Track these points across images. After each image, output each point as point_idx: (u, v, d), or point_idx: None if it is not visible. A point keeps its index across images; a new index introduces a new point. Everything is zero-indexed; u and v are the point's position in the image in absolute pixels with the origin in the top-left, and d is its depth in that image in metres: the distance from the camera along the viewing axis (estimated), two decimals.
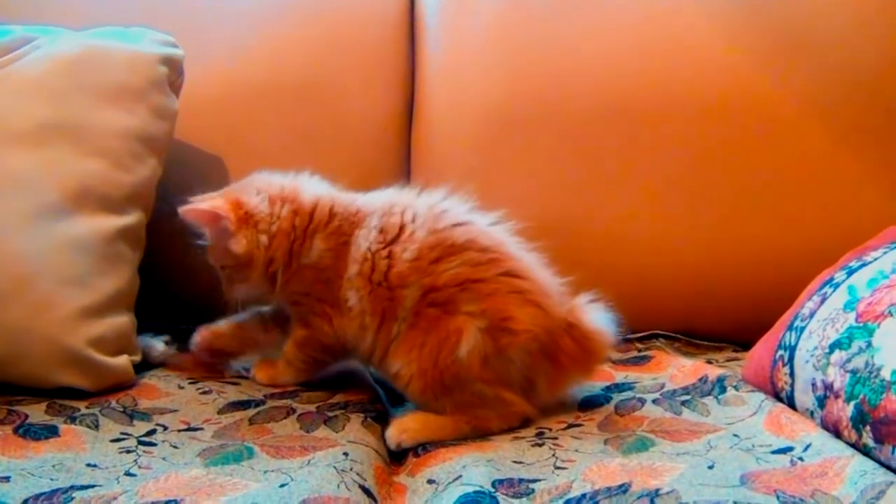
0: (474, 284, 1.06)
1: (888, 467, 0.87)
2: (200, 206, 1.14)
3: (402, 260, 1.08)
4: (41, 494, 0.85)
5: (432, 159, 1.53)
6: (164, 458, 0.95)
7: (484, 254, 1.08)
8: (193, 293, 1.45)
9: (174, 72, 1.35)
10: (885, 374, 0.91)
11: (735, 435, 1.00)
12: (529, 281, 1.08)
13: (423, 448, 1.02)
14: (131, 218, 1.25)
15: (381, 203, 1.15)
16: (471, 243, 1.08)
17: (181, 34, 1.40)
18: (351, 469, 0.90)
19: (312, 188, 1.20)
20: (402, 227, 1.10)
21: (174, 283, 1.43)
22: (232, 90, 1.51)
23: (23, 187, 1.17)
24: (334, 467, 0.90)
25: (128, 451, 0.97)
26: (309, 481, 0.87)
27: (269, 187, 1.18)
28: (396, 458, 1.04)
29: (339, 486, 0.86)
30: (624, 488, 0.87)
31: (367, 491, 0.88)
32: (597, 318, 1.11)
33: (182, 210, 1.13)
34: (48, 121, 1.21)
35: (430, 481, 0.92)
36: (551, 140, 1.47)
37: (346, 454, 0.94)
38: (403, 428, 1.05)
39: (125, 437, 1.01)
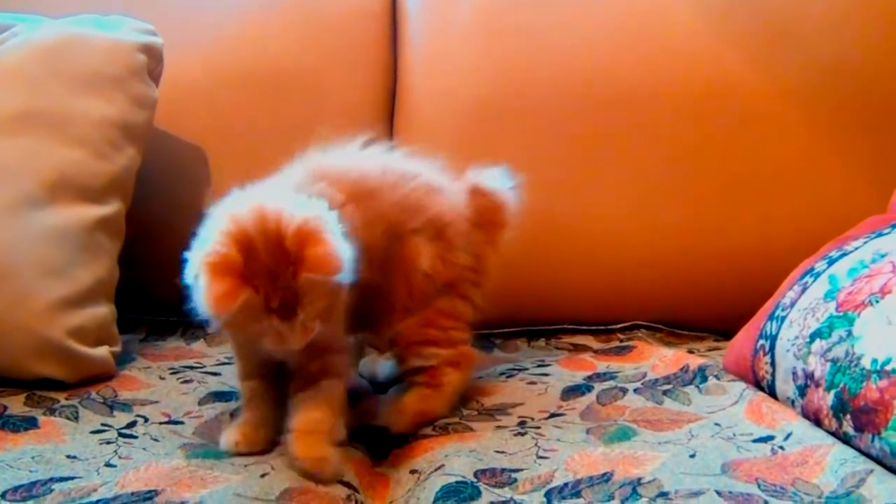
0: (402, 203, 1.07)
1: (868, 455, 0.88)
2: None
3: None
4: (20, 486, 0.84)
5: (415, 150, 1.52)
6: (144, 449, 0.94)
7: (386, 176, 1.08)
8: (170, 285, 1.45)
9: (153, 60, 1.34)
10: (865, 363, 0.92)
11: (716, 424, 1.00)
12: (426, 178, 1.11)
13: (404, 440, 1.02)
14: (110, 208, 1.24)
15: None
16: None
17: (161, 22, 1.39)
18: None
19: None
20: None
21: (152, 274, 1.42)
22: (212, 79, 1.50)
23: (1, 177, 1.15)
24: None
25: (108, 443, 0.96)
26: (289, 473, 0.87)
27: None
28: (377, 453, 1.03)
29: (316, 484, 0.87)
30: (606, 477, 0.87)
31: (346, 484, 0.88)
32: (490, 176, 1.16)
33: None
34: (26, 109, 1.20)
35: (412, 471, 0.92)
36: (534, 130, 1.47)
37: None
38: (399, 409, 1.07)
39: (105, 428, 1.00)
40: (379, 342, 1.18)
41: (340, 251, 0.87)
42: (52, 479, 0.86)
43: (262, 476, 0.86)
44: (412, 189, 1.08)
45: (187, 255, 0.91)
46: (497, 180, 1.16)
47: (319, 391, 0.94)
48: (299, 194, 0.95)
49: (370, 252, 0.96)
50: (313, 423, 0.92)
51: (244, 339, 0.97)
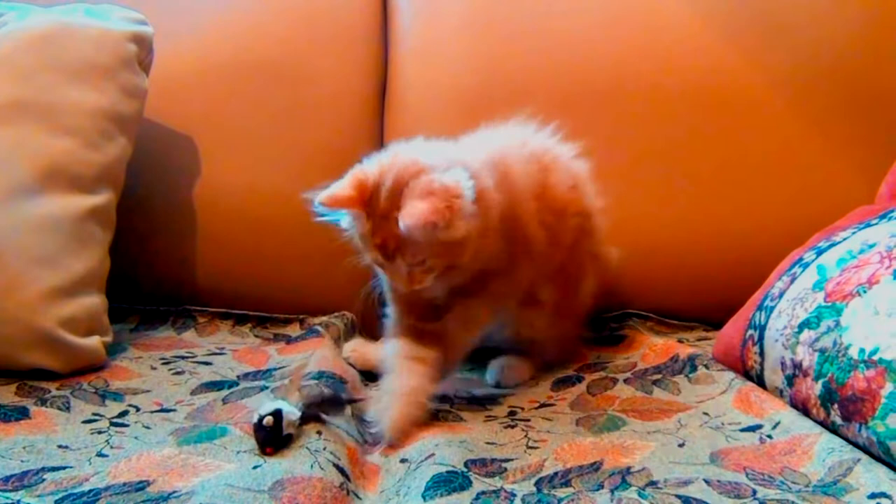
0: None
1: (855, 444, 0.88)
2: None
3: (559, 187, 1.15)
4: (12, 476, 0.84)
5: (406, 138, 1.52)
6: (136, 437, 0.95)
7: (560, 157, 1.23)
8: (161, 274, 1.45)
9: (144, 50, 1.33)
10: (853, 352, 0.92)
11: (705, 413, 1.01)
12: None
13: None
14: (102, 197, 1.24)
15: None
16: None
17: (151, 11, 1.38)
18: (325, 448, 0.90)
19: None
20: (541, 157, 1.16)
21: (143, 263, 1.42)
22: (203, 69, 1.49)
23: None
24: (307, 447, 0.90)
25: (99, 432, 0.96)
26: (282, 462, 0.87)
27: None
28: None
29: (312, 466, 0.86)
30: (595, 466, 0.88)
31: (341, 470, 0.88)
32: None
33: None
34: (16, 99, 1.20)
35: (402, 460, 0.93)
36: (525, 120, 1.47)
37: (319, 433, 0.94)
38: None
39: (97, 418, 1.01)
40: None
41: (442, 214, 0.94)
42: (43, 469, 0.86)
43: (255, 468, 0.86)
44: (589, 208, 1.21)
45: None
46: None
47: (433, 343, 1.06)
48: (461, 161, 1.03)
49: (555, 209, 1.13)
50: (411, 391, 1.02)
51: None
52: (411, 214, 0.94)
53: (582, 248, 1.21)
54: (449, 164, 1.00)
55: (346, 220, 1.03)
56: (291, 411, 0.93)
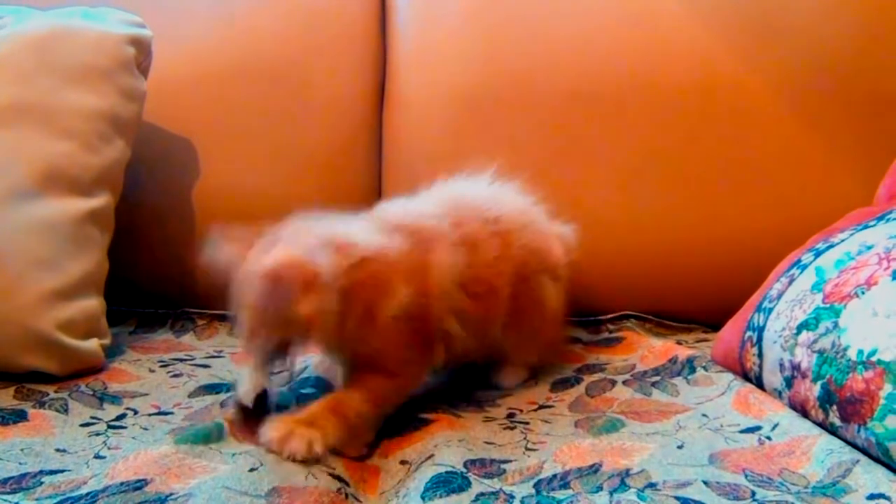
0: (530, 244, 1.15)
1: (854, 446, 0.88)
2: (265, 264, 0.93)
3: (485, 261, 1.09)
4: (9, 479, 0.84)
5: (404, 141, 1.52)
6: (133, 438, 0.95)
7: (520, 217, 1.16)
8: (159, 277, 1.45)
9: (142, 52, 1.33)
10: (852, 354, 0.92)
11: (704, 415, 1.01)
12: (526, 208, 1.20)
13: (396, 432, 1.02)
14: (100, 200, 1.24)
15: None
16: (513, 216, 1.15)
17: (150, 14, 1.39)
18: (317, 461, 0.90)
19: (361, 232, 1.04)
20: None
21: (141, 266, 1.42)
22: (201, 71, 1.49)
23: None
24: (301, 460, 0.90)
25: (97, 434, 0.96)
26: (277, 470, 0.87)
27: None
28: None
29: (306, 476, 0.86)
30: (595, 468, 0.88)
31: (337, 477, 0.88)
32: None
33: (254, 270, 0.93)
34: (14, 101, 1.20)
35: (402, 462, 0.92)
36: (524, 122, 1.47)
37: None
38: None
39: (95, 421, 1.00)
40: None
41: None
42: (41, 472, 0.86)
43: (251, 470, 0.85)
44: (537, 231, 1.16)
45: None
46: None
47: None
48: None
49: (485, 288, 1.07)
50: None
51: None
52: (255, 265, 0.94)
53: (530, 282, 1.15)
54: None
55: None
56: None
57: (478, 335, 1.08)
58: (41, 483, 0.84)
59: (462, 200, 1.12)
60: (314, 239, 0.96)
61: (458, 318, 1.05)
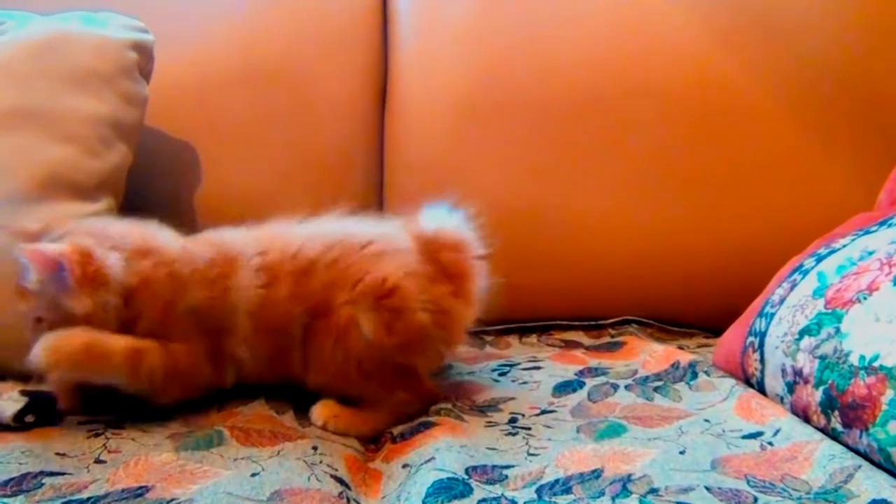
0: (337, 279, 1.05)
1: (856, 451, 0.88)
2: (47, 250, 0.98)
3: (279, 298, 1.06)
4: (10, 480, 0.84)
5: (405, 145, 1.52)
6: (133, 440, 0.94)
7: (328, 252, 1.07)
8: None
9: (144, 57, 1.33)
10: (853, 359, 0.92)
11: (706, 420, 1.00)
12: (369, 240, 1.08)
13: (400, 436, 1.02)
14: (102, 205, 1.24)
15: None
16: (318, 252, 1.07)
17: (152, 19, 1.38)
18: (321, 462, 0.90)
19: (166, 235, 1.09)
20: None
21: None
22: (203, 76, 1.50)
23: None
24: (304, 461, 0.90)
25: (97, 435, 0.96)
26: (279, 473, 0.87)
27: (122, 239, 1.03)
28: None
29: (308, 478, 0.86)
30: (596, 474, 0.88)
31: (339, 480, 0.88)
32: (438, 219, 1.11)
33: (26, 250, 0.98)
34: (16, 106, 1.20)
35: (404, 465, 0.92)
36: (524, 127, 1.47)
37: (315, 448, 0.94)
38: (334, 412, 1.05)
39: (94, 421, 1.00)
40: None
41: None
42: (42, 473, 0.86)
43: (253, 475, 0.86)
44: (349, 263, 1.05)
45: None
46: (448, 221, 1.12)
47: None
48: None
49: (277, 324, 1.05)
50: None
51: None
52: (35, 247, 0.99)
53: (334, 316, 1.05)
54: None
55: None
56: None
57: (271, 366, 1.07)
58: (42, 485, 0.84)
59: (275, 234, 1.10)
60: (108, 239, 1.01)
61: (247, 345, 1.06)
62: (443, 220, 1.11)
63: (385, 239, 1.09)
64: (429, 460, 0.90)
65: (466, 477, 0.87)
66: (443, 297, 1.07)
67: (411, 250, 1.08)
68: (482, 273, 1.10)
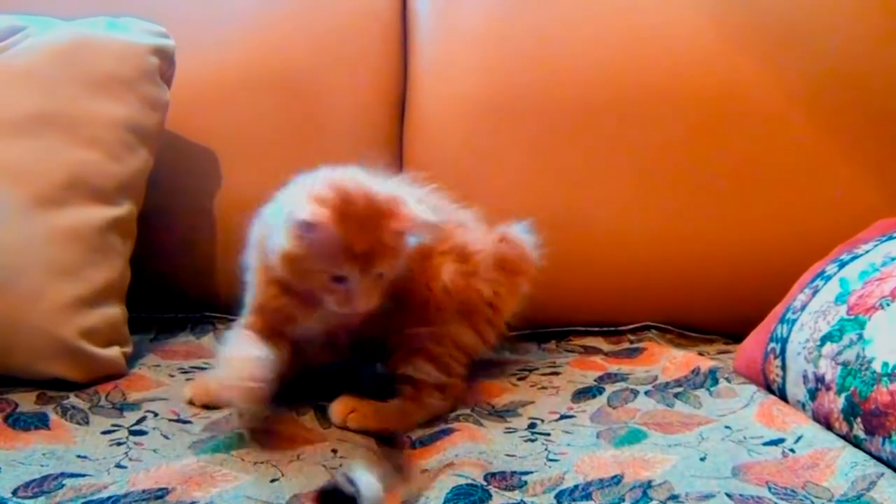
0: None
1: (878, 459, 0.88)
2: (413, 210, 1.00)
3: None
4: (31, 482, 0.85)
5: (425, 151, 1.52)
6: (154, 450, 0.94)
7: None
8: (182, 284, 1.46)
9: (165, 62, 1.34)
10: (876, 366, 0.91)
11: (727, 427, 1.00)
12: (462, 221, 1.19)
13: (419, 442, 1.02)
14: (123, 209, 1.24)
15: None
16: None
17: (173, 25, 1.39)
18: (340, 465, 0.90)
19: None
20: None
21: (163, 273, 1.43)
22: (224, 81, 1.50)
23: (14, 178, 1.16)
24: (323, 465, 0.90)
25: (118, 444, 0.96)
26: (299, 477, 0.87)
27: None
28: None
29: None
30: (616, 480, 0.87)
31: None
32: (517, 229, 1.21)
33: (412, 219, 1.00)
34: (39, 111, 1.21)
35: (423, 471, 0.92)
36: (543, 131, 1.47)
37: (334, 451, 0.94)
38: (352, 407, 1.05)
39: (116, 428, 1.00)
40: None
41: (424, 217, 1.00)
42: (62, 475, 0.86)
43: (273, 481, 0.86)
44: (447, 220, 1.12)
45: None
46: (523, 234, 1.20)
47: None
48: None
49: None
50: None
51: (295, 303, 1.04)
52: (410, 219, 0.99)
53: None
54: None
55: (312, 238, 0.97)
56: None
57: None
58: (63, 486, 0.84)
59: None
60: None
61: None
62: (516, 229, 1.20)
63: (473, 222, 1.20)
64: (448, 465, 0.90)
65: (485, 483, 0.87)
66: (499, 282, 1.16)
67: (488, 234, 1.19)
68: (529, 279, 1.20)
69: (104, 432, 0.99)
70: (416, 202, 1.01)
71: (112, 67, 1.27)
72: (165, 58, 1.34)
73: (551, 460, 0.94)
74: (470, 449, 0.95)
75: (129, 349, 1.21)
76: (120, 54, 1.29)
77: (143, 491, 0.83)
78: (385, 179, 1.06)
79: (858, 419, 0.92)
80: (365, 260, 0.97)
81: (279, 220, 0.99)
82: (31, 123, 1.20)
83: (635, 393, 1.14)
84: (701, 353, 1.30)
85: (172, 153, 1.42)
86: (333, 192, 0.98)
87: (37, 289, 1.12)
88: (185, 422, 1.04)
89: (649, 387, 1.16)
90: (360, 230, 0.97)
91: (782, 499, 0.82)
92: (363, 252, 0.97)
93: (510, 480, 0.88)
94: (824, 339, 1.01)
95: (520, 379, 1.23)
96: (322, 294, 1.00)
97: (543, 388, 1.19)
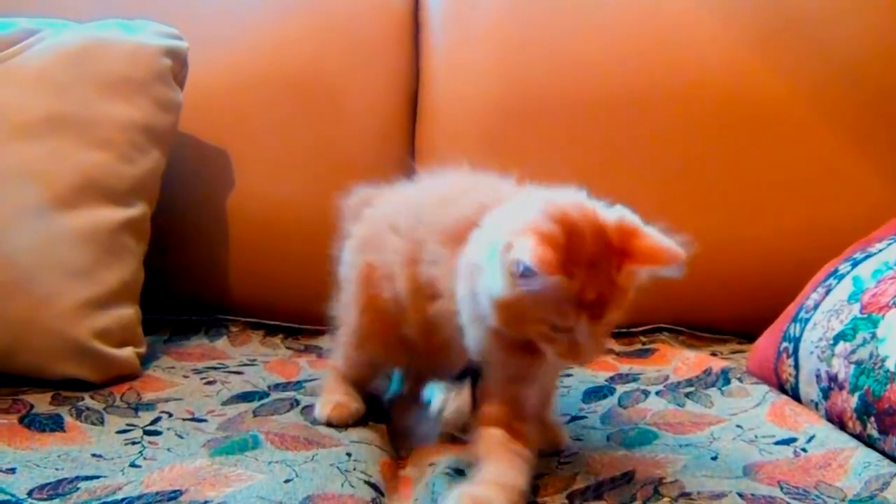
0: None
1: (892, 458, 0.87)
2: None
3: None
4: (46, 485, 0.85)
5: (436, 153, 1.52)
6: (168, 450, 0.95)
7: None
8: (195, 285, 1.46)
9: (178, 64, 1.35)
10: (890, 364, 0.91)
11: (738, 426, 1.00)
12: None
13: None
14: (136, 210, 1.25)
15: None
16: None
17: (186, 26, 1.40)
18: (354, 469, 0.90)
19: None
20: None
21: (176, 275, 1.44)
22: (237, 83, 1.51)
23: (27, 179, 1.17)
24: (337, 467, 0.90)
25: (133, 443, 0.97)
26: (313, 479, 0.87)
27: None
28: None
29: (342, 484, 0.86)
30: (628, 478, 0.87)
31: (373, 486, 0.88)
32: None
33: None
34: (52, 113, 1.22)
35: (431, 464, 0.92)
36: (555, 133, 1.47)
37: (349, 454, 0.94)
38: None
39: (131, 428, 1.01)
40: None
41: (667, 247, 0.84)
42: (77, 478, 0.87)
43: (286, 482, 0.86)
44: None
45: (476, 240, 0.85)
46: None
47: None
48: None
49: None
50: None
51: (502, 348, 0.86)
52: (652, 254, 0.83)
53: None
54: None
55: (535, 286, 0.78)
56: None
57: None
58: (77, 489, 0.84)
59: None
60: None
61: None
62: None
63: None
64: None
65: None
66: None
67: None
68: None
69: (119, 431, 1.00)
70: (651, 230, 0.85)
71: (124, 69, 1.28)
72: (178, 59, 1.35)
73: (563, 462, 0.93)
74: None
75: (142, 350, 1.22)
76: (132, 56, 1.29)
77: (157, 493, 0.83)
78: (604, 205, 0.88)
79: (872, 418, 0.91)
80: (595, 307, 0.80)
81: (491, 258, 0.81)
82: (45, 126, 1.20)
83: (646, 393, 1.13)
84: (714, 354, 1.31)
85: (185, 154, 1.43)
86: (558, 227, 0.79)
87: (51, 290, 1.13)
88: (199, 420, 1.04)
89: (660, 387, 1.16)
90: (590, 274, 0.79)
91: (794, 498, 0.82)
92: (594, 300, 0.80)
93: None
94: (837, 338, 1.01)
95: None
96: (541, 342, 0.83)
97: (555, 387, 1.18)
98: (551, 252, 0.76)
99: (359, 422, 1.04)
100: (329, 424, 1.03)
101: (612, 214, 0.84)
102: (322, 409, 1.04)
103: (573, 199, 0.85)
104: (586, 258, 0.79)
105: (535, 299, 0.78)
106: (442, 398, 0.92)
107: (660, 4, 1.52)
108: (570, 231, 0.79)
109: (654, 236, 0.83)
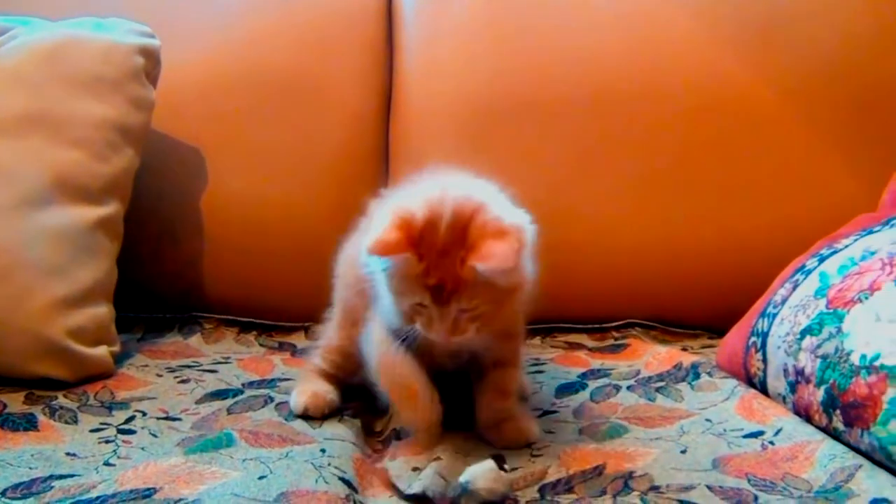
0: None
1: (857, 450, 0.89)
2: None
3: None
4: (20, 484, 0.85)
5: (411, 151, 1.53)
6: (142, 448, 0.95)
7: None
8: (169, 283, 1.46)
9: (151, 62, 1.35)
10: (855, 358, 0.93)
11: (707, 420, 1.01)
12: None
13: (406, 434, 1.01)
14: (109, 209, 1.25)
15: None
16: None
17: (159, 25, 1.40)
18: (329, 464, 0.91)
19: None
20: None
21: (150, 273, 1.43)
22: (210, 81, 1.51)
23: (1, 178, 1.16)
24: (311, 463, 0.91)
25: (107, 442, 0.97)
26: (287, 475, 0.87)
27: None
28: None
29: (316, 480, 0.87)
30: (598, 471, 0.88)
31: (346, 482, 0.88)
32: None
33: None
34: (25, 111, 1.21)
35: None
36: (531, 132, 1.48)
37: (323, 451, 0.94)
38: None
39: (104, 426, 1.01)
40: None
41: (520, 257, 0.88)
42: (51, 477, 0.87)
43: (261, 478, 0.86)
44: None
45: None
46: None
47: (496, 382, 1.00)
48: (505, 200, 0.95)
49: None
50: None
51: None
52: (492, 255, 0.86)
53: None
54: (500, 202, 0.93)
55: (388, 264, 0.90)
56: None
57: None
58: (51, 487, 0.84)
59: None
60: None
61: None
62: None
63: None
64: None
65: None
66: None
67: None
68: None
69: (93, 430, 1.00)
70: (518, 235, 0.89)
71: (97, 67, 1.28)
72: (151, 57, 1.35)
73: (535, 455, 0.94)
74: (458, 446, 0.96)
75: (116, 348, 1.22)
76: (105, 54, 1.29)
77: (131, 490, 0.83)
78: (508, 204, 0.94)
79: (837, 411, 0.93)
80: (439, 292, 0.88)
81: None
82: (17, 124, 1.20)
83: (618, 388, 1.15)
84: (685, 349, 1.32)
85: (159, 152, 1.42)
86: (426, 212, 0.88)
87: (24, 289, 1.13)
88: (173, 419, 1.04)
89: (632, 381, 1.17)
90: (438, 261, 0.88)
91: (762, 490, 0.83)
92: (435, 284, 0.88)
93: None
94: (804, 333, 1.02)
95: None
96: (412, 313, 0.92)
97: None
98: (396, 234, 0.87)
99: (333, 416, 1.05)
100: (305, 414, 1.04)
101: (494, 214, 0.89)
102: (298, 399, 1.06)
103: (464, 192, 0.91)
104: (439, 246, 0.87)
105: (391, 274, 0.90)
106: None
107: (636, 2, 1.53)
108: (432, 218, 0.88)
109: (511, 244, 0.87)
